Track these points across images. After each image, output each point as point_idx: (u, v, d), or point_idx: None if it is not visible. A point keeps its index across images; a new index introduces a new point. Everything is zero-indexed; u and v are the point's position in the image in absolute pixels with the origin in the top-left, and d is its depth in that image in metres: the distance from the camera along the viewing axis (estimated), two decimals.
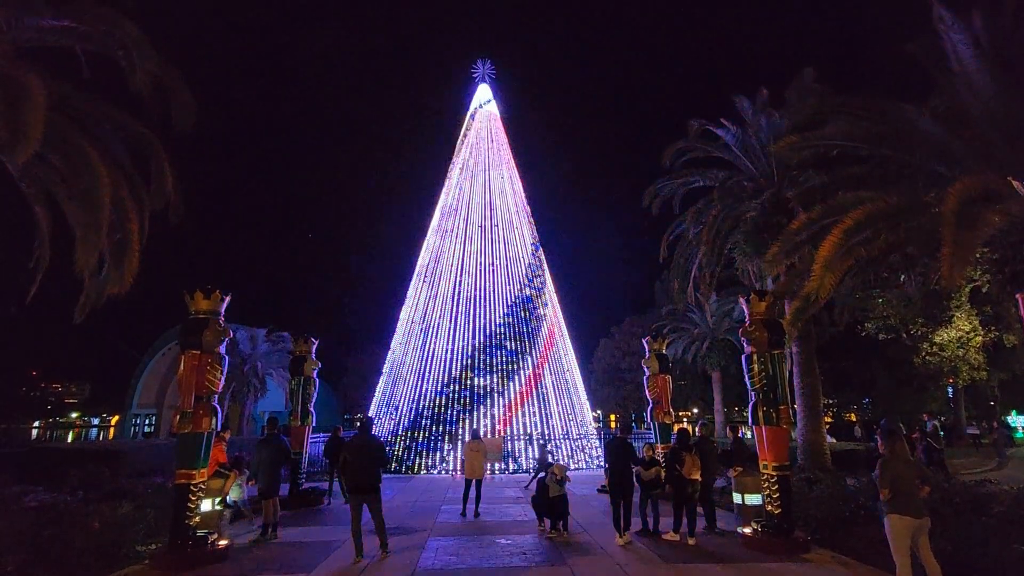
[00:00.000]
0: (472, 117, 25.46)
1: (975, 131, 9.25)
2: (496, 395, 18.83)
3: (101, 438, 45.74)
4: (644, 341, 13.58)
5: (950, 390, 30.58)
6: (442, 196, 23.93)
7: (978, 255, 11.30)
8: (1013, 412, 39.27)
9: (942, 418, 28.22)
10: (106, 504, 8.08)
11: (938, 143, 9.59)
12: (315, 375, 13.40)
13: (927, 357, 22.32)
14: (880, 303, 17.60)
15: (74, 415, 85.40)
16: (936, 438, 15.14)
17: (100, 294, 10.71)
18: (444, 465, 17.74)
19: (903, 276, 13.51)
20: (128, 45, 9.54)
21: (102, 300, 10.76)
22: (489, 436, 17.39)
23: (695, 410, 49.86)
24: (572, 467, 17.04)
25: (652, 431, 13.30)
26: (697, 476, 8.54)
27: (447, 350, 19.60)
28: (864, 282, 13.21)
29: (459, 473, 15.64)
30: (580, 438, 19.94)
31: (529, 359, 19.75)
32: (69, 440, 37.05)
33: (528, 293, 21.05)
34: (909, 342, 22.28)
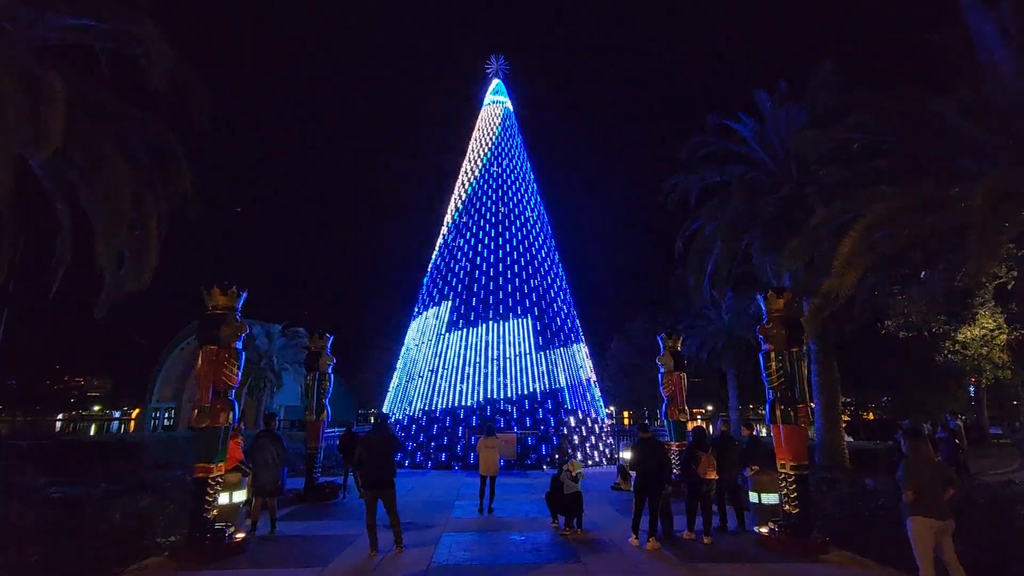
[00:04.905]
0: (484, 113, 25.40)
1: (1003, 123, 9.00)
2: (510, 392, 18.83)
3: (122, 431, 46.67)
4: (659, 338, 13.45)
5: (972, 389, 29.93)
6: (455, 192, 23.93)
7: (1004, 251, 11.02)
8: None
9: (963, 417, 27.65)
10: (127, 496, 8.21)
11: (964, 136, 9.35)
12: (330, 370, 13.50)
13: (949, 355, 21.81)
14: (901, 300, 17.21)
15: (96, 408, 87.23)
16: (960, 437, 14.83)
17: (120, 289, 10.89)
18: (458, 461, 17.79)
19: (924, 272, 13.21)
20: (146, 43, 9.65)
21: (123, 295, 10.94)
22: (503, 432, 17.39)
23: (709, 407, 49.51)
24: (587, 464, 16.99)
25: (666, 428, 13.20)
26: (713, 475, 8.44)
27: (461, 346, 19.63)
28: (885, 278, 12.95)
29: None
30: (593, 435, 19.86)
31: (543, 355, 19.71)
32: (92, 433, 37.84)
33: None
34: (931, 340, 21.79)
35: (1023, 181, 7.83)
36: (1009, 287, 12.78)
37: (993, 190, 7.42)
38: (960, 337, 20.95)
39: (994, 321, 20.33)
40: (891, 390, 37.19)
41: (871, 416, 45.22)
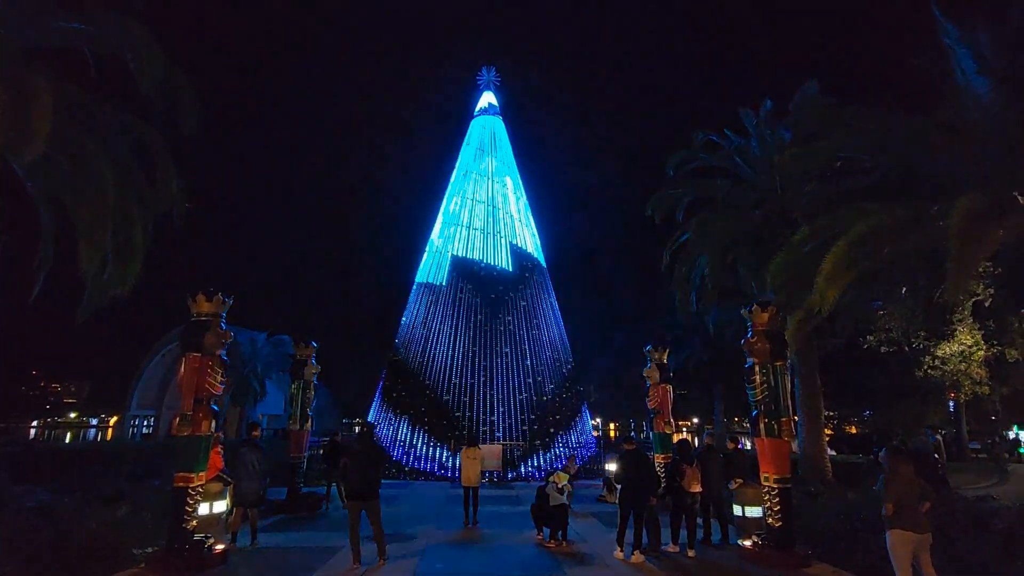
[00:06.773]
0: (475, 123, 25.53)
1: (981, 145, 9.27)
2: (495, 402, 18.78)
3: (99, 439, 45.67)
4: (646, 351, 13.52)
5: (952, 404, 30.39)
6: (443, 204, 23.95)
7: (981, 269, 11.30)
8: (1015, 427, 39.01)
9: (943, 432, 28.07)
10: (104, 506, 8.04)
11: (943, 156, 9.60)
12: (315, 380, 13.37)
13: (929, 371, 22.17)
14: (882, 315, 17.52)
15: (72, 415, 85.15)
16: (940, 452, 15.04)
17: (103, 294, 10.72)
18: (443, 472, 17.65)
19: (905, 289, 13.47)
20: (137, 48, 9.61)
21: (105, 301, 10.77)
22: (487, 443, 17.30)
23: (695, 420, 49.69)
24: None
25: (651, 440, 13.22)
26: (697, 488, 8.48)
27: (448, 357, 19.57)
28: (867, 294, 13.19)
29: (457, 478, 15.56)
30: (579, 447, 19.84)
31: (530, 366, 19.71)
32: (67, 440, 36.99)
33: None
34: (911, 355, 22.15)
35: (998, 201, 8.07)
36: (987, 304, 13.07)
37: (970, 209, 7.62)
38: (939, 353, 21.30)
39: (972, 337, 20.71)
40: (873, 404, 37.66)
41: (854, 430, 45.71)
